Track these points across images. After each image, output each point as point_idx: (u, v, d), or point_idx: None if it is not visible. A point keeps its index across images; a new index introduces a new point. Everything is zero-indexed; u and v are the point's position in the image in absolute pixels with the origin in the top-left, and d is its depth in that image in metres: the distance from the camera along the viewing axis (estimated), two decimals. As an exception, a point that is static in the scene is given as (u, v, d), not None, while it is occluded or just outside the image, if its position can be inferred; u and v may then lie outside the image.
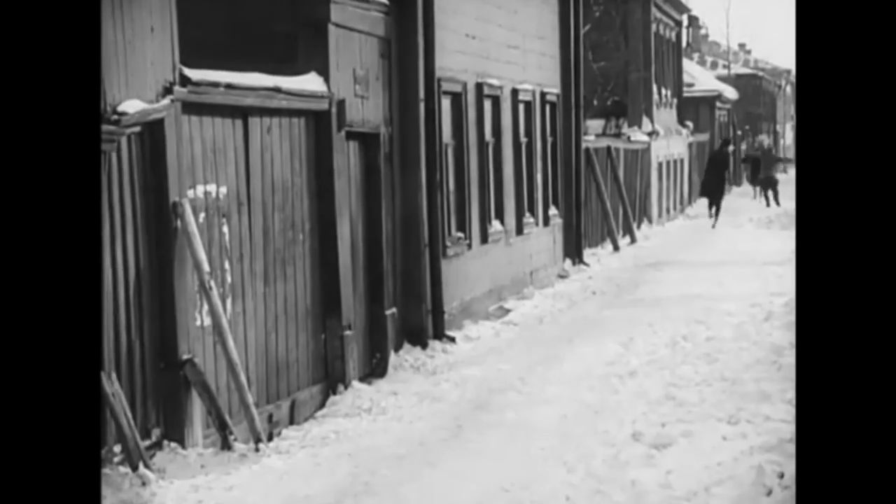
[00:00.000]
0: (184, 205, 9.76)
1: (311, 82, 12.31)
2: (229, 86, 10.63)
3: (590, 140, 26.33)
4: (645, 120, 34.20)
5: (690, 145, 42.26)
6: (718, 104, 52.02)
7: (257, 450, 9.99)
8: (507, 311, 17.74)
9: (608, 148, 28.25)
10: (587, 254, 23.74)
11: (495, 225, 18.26)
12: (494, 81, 18.16)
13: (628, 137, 32.09)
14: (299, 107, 12.07)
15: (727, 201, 34.94)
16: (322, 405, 12.19)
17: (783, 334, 13.78)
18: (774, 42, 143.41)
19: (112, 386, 8.74)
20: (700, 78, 50.56)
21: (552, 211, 21.65)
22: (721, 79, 57.58)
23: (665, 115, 37.48)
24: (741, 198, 43.76)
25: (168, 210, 9.67)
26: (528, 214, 20.06)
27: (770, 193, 40.58)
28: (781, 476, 8.09)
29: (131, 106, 9.10)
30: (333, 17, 12.70)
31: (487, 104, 17.99)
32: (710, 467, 8.70)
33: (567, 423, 10.68)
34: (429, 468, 9.44)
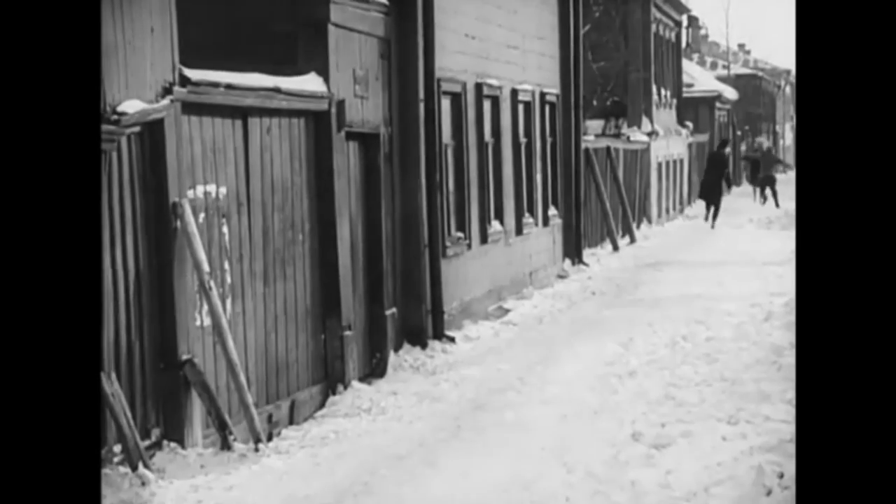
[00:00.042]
0: (184, 205, 9.77)
1: (310, 82, 12.31)
2: (229, 86, 10.63)
3: (589, 140, 26.33)
4: (644, 120, 34.19)
5: (690, 146, 42.27)
6: (718, 104, 52.02)
7: (257, 450, 10.00)
8: (507, 311, 17.74)
9: (608, 148, 28.25)
10: (587, 254, 23.74)
11: (495, 225, 18.26)
12: (494, 82, 18.16)
13: (628, 138, 32.09)
14: (299, 107, 12.07)
15: (727, 201, 34.92)
16: (322, 405, 12.19)
17: (783, 334, 13.78)
18: (774, 42, 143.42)
19: (112, 386, 8.74)
20: (700, 78, 50.56)
21: (552, 211, 21.65)
22: (721, 79, 57.58)
23: (665, 116, 37.48)
24: (741, 198, 43.76)
25: (168, 210, 9.68)
26: (527, 215, 20.06)
27: (768, 192, 40.59)
28: (781, 476, 8.09)
29: (131, 106, 9.10)
30: (333, 18, 12.70)
31: (487, 104, 17.99)
32: (710, 467, 8.70)
33: (567, 423, 10.68)
34: (428, 468, 9.43)
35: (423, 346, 14.74)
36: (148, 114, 9.33)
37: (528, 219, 20.04)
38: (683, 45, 45.31)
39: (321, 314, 12.47)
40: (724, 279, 20.38)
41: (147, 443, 9.25)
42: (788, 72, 75.89)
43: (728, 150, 36.16)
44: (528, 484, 8.72)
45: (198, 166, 10.24)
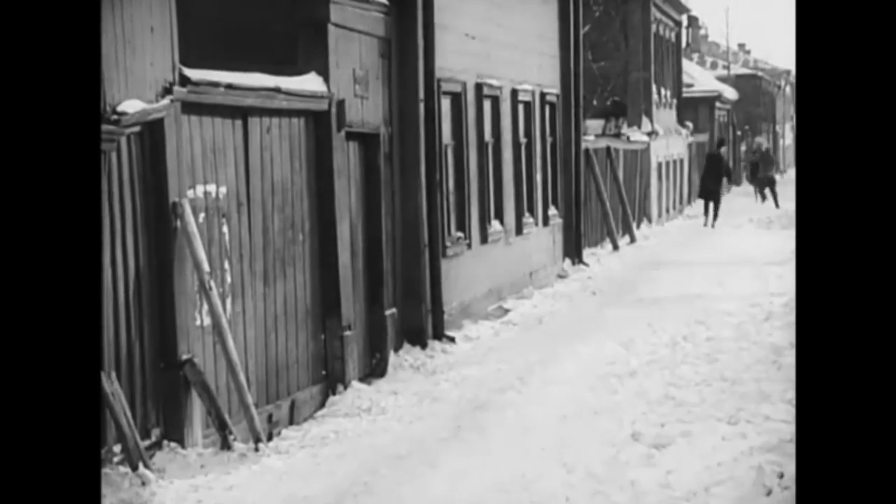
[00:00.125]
0: (184, 205, 9.76)
1: (310, 82, 12.31)
2: (229, 86, 10.63)
3: (589, 140, 26.33)
4: (644, 120, 34.19)
5: (690, 145, 42.27)
6: (718, 104, 52.02)
7: (257, 450, 10.00)
8: (507, 310, 17.74)
9: (608, 148, 28.25)
10: (587, 254, 23.73)
11: (495, 225, 18.26)
12: (494, 81, 18.16)
13: (628, 138, 32.09)
14: (299, 107, 12.07)
15: (727, 201, 34.91)
16: (322, 405, 12.19)
17: (783, 334, 13.77)
18: (774, 42, 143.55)
19: (112, 386, 8.74)
20: (700, 78, 50.56)
21: (552, 211, 21.65)
22: (721, 79, 57.58)
23: (665, 116, 37.48)
24: (741, 198, 43.77)
25: (168, 210, 9.67)
26: (527, 214, 20.06)
27: (767, 192, 40.59)
28: (781, 476, 8.09)
29: (131, 106, 9.10)
30: (333, 18, 12.70)
31: (487, 104, 17.99)
32: (710, 467, 8.69)
33: (567, 423, 10.68)
34: (428, 468, 9.43)
35: (423, 345, 14.74)
36: (148, 113, 9.33)
37: (528, 218, 20.04)
38: (683, 44, 45.32)
39: (321, 314, 12.47)
40: (725, 279, 20.38)
41: (147, 442, 9.25)
42: (788, 72, 75.87)
43: (723, 149, 36.13)
44: (528, 484, 8.71)
45: (198, 166, 10.24)
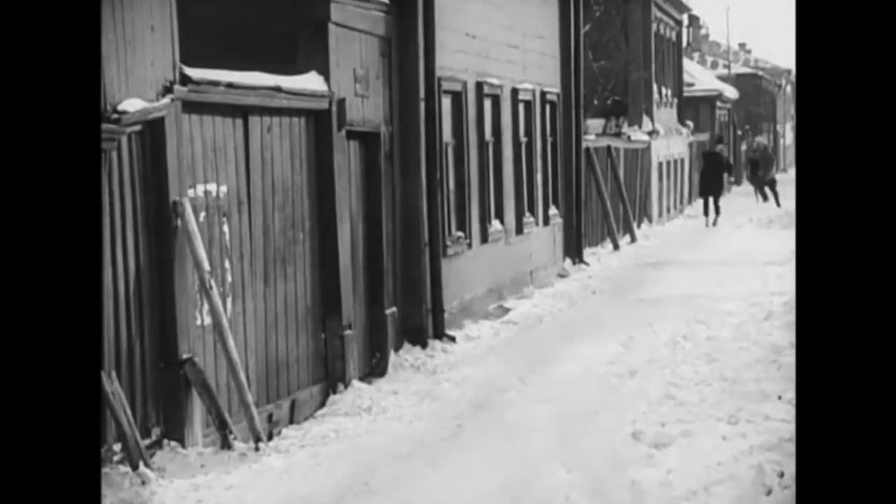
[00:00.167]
0: (184, 204, 9.76)
1: (311, 81, 12.31)
2: (230, 85, 10.63)
3: (590, 139, 26.33)
4: (645, 119, 34.19)
5: (691, 145, 42.26)
6: (719, 104, 52.00)
7: (257, 449, 9.99)
8: (507, 310, 17.74)
9: (608, 147, 28.25)
10: (587, 253, 23.73)
11: (495, 224, 18.26)
12: (495, 81, 18.16)
13: (628, 137, 32.08)
14: (300, 106, 12.07)
15: (727, 201, 34.88)
16: (322, 404, 12.19)
17: (783, 334, 13.77)
18: (775, 41, 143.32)
19: (112, 385, 8.74)
20: (700, 77, 50.54)
21: (552, 210, 21.65)
22: (721, 78, 57.55)
23: (665, 115, 37.47)
24: (741, 197, 43.75)
25: (168, 209, 9.67)
26: (528, 214, 20.06)
27: (767, 191, 40.57)
28: (781, 475, 8.09)
29: (131, 105, 9.10)
30: (334, 17, 12.70)
31: (487, 103, 17.99)
32: (710, 467, 8.69)
33: (567, 422, 10.68)
34: (429, 468, 9.44)
35: (424, 345, 14.74)
36: (148, 112, 9.33)
37: (528, 218, 20.04)
38: (684, 44, 45.31)
39: (322, 313, 12.47)
40: (725, 279, 20.38)
41: (147, 442, 9.25)
42: (789, 71, 75.84)
43: (719, 147, 36.08)
44: (529, 483, 8.72)
45: (198, 165, 10.24)
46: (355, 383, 12.71)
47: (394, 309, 14.24)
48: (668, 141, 37.03)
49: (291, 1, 12.49)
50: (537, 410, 11.21)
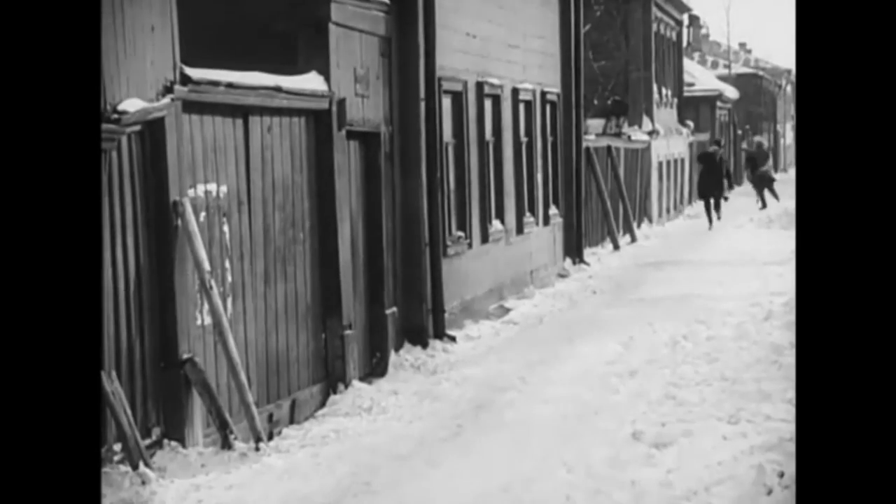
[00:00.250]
0: (184, 204, 9.76)
1: (311, 81, 12.31)
2: (230, 85, 10.63)
3: (590, 139, 26.33)
4: (645, 119, 34.19)
5: (691, 145, 42.26)
6: (719, 104, 52.00)
7: (257, 449, 9.99)
8: (508, 310, 17.74)
9: (608, 147, 28.25)
10: (587, 253, 23.74)
11: (495, 224, 18.26)
12: (495, 80, 18.16)
13: (629, 137, 32.09)
14: (300, 106, 12.07)
15: (727, 202, 34.84)
16: (322, 404, 12.19)
17: (783, 334, 13.77)
18: (775, 41, 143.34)
19: (112, 385, 8.74)
20: (700, 77, 50.55)
21: (552, 210, 21.66)
22: (721, 78, 57.56)
23: (665, 115, 37.47)
24: (741, 198, 43.74)
25: (168, 209, 9.67)
26: (528, 214, 20.06)
27: (766, 193, 40.54)
28: (781, 475, 8.09)
29: (132, 105, 9.10)
30: (334, 17, 12.70)
31: (488, 103, 17.99)
32: (711, 467, 8.69)
33: (567, 422, 10.68)
34: (429, 467, 9.44)
35: (424, 345, 14.74)
36: (148, 112, 9.33)
37: (528, 218, 20.04)
38: (684, 44, 45.31)
39: (322, 313, 12.47)
40: (725, 278, 20.38)
41: (147, 441, 9.25)
42: (789, 71, 75.85)
43: (713, 148, 36.07)
44: (529, 483, 8.72)
45: (198, 165, 10.24)
46: (355, 383, 12.71)
47: (394, 309, 14.24)
48: (668, 141, 37.03)
49: (291, 1, 12.49)
50: (538, 410, 11.21)
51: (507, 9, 19.26)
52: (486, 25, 18.05)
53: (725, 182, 34.12)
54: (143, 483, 8.62)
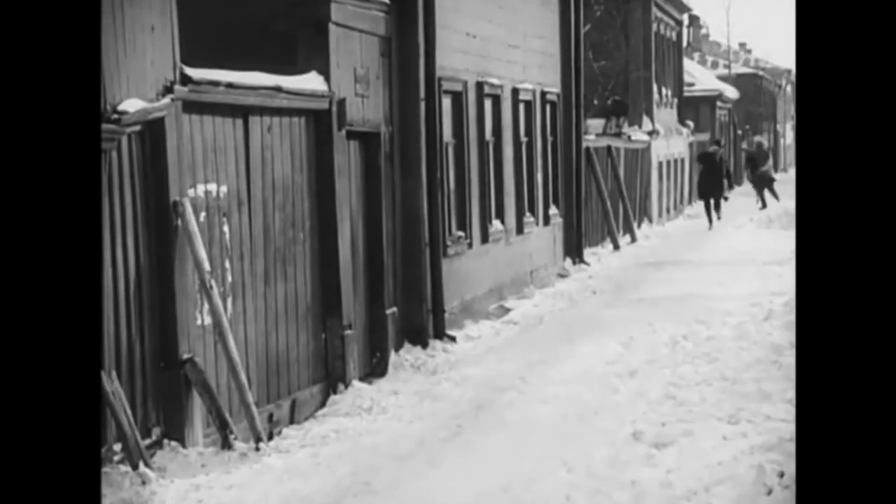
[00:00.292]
0: (184, 204, 9.76)
1: (311, 81, 12.31)
2: (230, 85, 10.63)
3: (590, 139, 26.33)
4: (645, 119, 34.19)
5: (691, 145, 42.27)
6: (719, 104, 52.00)
7: (258, 449, 9.99)
8: (508, 310, 17.74)
9: (608, 147, 28.25)
10: (587, 253, 23.74)
11: (496, 224, 18.26)
12: (495, 80, 18.16)
13: (629, 137, 32.09)
14: (300, 106, 12.08)
15: (727, 202, 34.85)
16: (322, 404, 12.19)
17: (783, 334, 13.77)
18: (775, 41, 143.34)
19: (112, 385, 8.74)
20: (700, 77, 50.54)
21: (552, 210, 21.66)
22: (722, 78, 57.57)
23: (665, 115, 37.47)
24: (741, 198, 43.74)
25: (168, 209, 9.67)
26: (528, 214, 20.06)
27: (766, 193, 40.54)
28: (781, 475, 8.09)
29: (132, 105, 9.10)
30: (334, 17, 12.70)
31: (488, 103, 17.99)
32: (711, 467, 8.69)
33: (567, 422, 10.68)
34: (429, 467, 9.44)
35: (424, 345, 14.73)
36: (148, 112, 9.33)
37: (528, 218, 20.04)
38: (684, 44, 45.31)
39: (322, 313, 12.47)
40: (725, 278, 20.38)
41: (148, 441, 9.25)
42: (789, 71, 75.84)
43: (713, 148, 36.07)
44: (529, 483, 8.72)
45: (198, 165, 10.24)
46: (355, 383, 12.71)
47: (394, 309, 14.24)
48: (668, 141, 37.03)
49: (291, 1, 12.49)
50: (538, 410, 11.21)
51: (507, 9, 19.26)
52: (486, 25, 18.05)
53: (725, 182, 34.10)
54: (143, 483, 8.62)
